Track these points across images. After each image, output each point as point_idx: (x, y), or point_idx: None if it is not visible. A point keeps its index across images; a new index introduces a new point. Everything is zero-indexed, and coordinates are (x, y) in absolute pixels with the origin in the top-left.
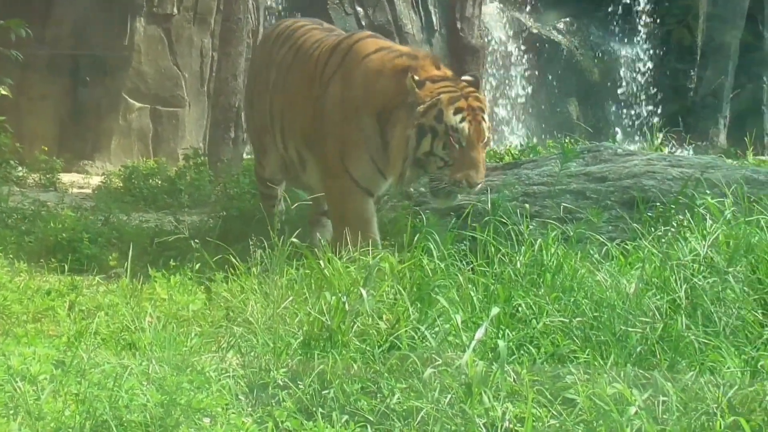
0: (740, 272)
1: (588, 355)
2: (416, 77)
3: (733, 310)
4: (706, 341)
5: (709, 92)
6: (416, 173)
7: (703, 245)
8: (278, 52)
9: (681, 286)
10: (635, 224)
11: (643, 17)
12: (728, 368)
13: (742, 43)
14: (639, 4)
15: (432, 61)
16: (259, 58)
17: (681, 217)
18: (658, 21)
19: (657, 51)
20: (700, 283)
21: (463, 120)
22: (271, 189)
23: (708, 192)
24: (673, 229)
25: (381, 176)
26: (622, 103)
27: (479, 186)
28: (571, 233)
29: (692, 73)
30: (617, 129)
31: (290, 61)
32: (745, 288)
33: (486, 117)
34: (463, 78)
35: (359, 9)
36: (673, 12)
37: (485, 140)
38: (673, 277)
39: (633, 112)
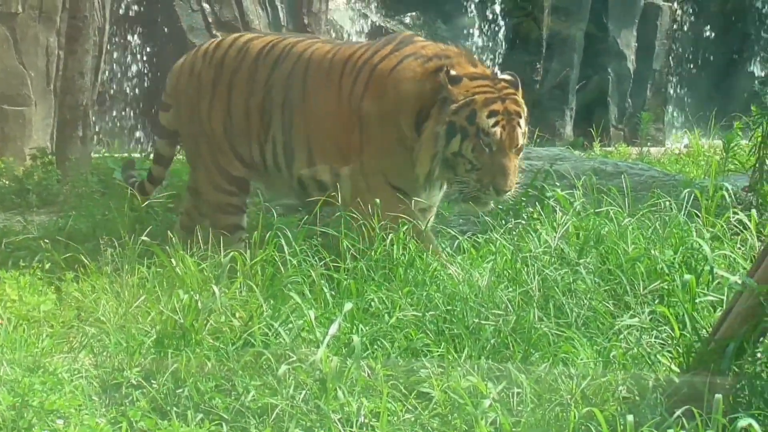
0: (591, 263)
1: (442, 348)
2: (452, 72)
3: (585, 301)
4: (558, 333)
5: (555, 84)
6: (444, 173)
7: (554, 237)
8: (273, 70)
9: (533, 278)
10: (486, 217)
11: (490, 10)
12: (581, 359)
13: (587, 35)
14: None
15: (467, 58)
16: (217, 76)
17: (531, 209)
18: (505, 14)
19: (505, 44)
20: (552, 274)
21: (496, 124)
22: (238, 194)
23: (557, 184)
24: (523, 222)
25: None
26: None
27: (508, 194)
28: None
29: (538, 66)
30: None
31: (302, 77)
32: (595, 279)
33: (522, 122)
34: (503, 77)
35: (206, 5)
36: (520, 5)
37: (518, 146)
38: (525, 269)
39: None
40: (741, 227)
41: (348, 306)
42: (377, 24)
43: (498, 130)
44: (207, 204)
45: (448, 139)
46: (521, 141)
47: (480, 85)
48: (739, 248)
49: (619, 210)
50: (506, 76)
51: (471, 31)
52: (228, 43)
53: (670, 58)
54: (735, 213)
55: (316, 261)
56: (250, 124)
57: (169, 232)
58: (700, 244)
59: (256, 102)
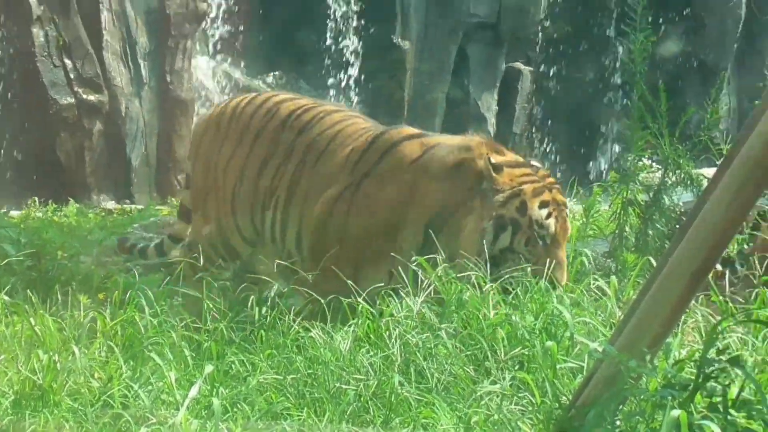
0: (452, 328)
1: (303, 412)
2: (492, 160)
3: (446, 366)
4: (419, 397)
5: None
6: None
7: (416, 301)
8: (300, 135)
9: (394, 343)
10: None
11: (352, 71)
12: (441, 425)
13: (449, 98)
14: (349, 59)
15: (491, 147)
16: (243, 133)
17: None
18: (368, 76)
19: (367, 106)
20: (414, 339)
21: (549, 215)
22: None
23: None
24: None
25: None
26: None
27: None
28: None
29: None
30: None
31: (323, 147)
32: (456, 344)
33: (568, 213)
34: (536, 164)
35: (67, 61)
36: (384, 67)
37: (569, 238)
38: (387, 333)
39: None
40: (600, 294)
41: (209, 368)
42: (241, 83)
43: (552, 221)
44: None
45: (496, 234)
46: (569, 232)
47: (524, 173)
48: (599, 315)
49: (481, 275)
50: (536, 164)
51: (332, 92)
52: (259, 102)
53: (532, 120)
54: (595, 279)
55: (177, 321)
56: (258, 185)
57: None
58: (560, 311)
59: (274, 164)
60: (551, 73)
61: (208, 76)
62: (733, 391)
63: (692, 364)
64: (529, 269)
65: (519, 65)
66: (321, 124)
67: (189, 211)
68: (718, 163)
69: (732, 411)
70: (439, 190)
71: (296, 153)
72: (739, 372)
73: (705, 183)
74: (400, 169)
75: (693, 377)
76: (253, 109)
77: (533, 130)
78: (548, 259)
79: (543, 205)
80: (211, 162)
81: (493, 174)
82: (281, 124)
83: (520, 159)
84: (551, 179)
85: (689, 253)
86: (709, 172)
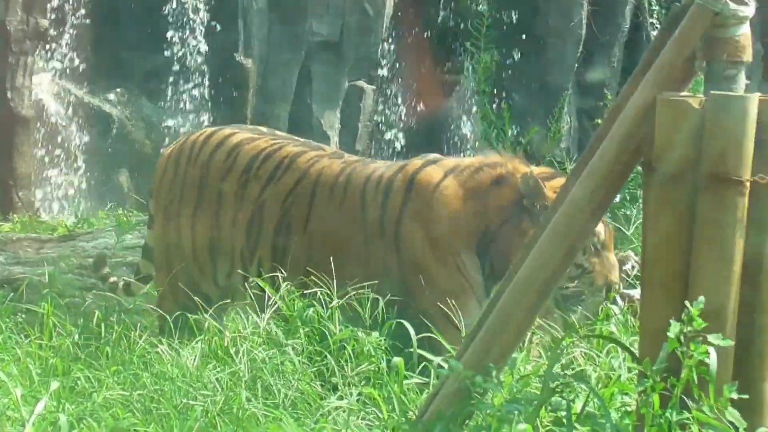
0: (298, 344)
1: (150, 428)
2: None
3: (293, 382)
4: (267, 413)
5: None
6: None
7: (263, 318)
8: (267, 185)
9: (242, 359)
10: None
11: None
12: None
13: (292, 116)
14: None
15: (520, 160)
16: (203, 180)
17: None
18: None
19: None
20: (261, 355)
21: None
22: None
23: None
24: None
25: None
26: None
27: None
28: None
29: None
30: None
31: (309, 198)
32: (303, 360)
33: None
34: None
35: None
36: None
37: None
38: (234, 349)
39: None
40: None
41: (54, 384)
42: (83, 100)
43: (602, 227)
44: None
45: None
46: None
47: (562, 185)
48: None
49: (327, 292)
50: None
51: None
52: (215, 142)
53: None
54: None
55: (21, 338)
56: (233, 240)
57: None
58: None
59: (244, 218)
60: (395, 92)
61: (50, 94)
62: (578, 405)
63: (537, 379)
64: (587, 280)
65: (362, 83)
66: (291, 172)
67: (152, 250)
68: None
69: (576, 425)
70: (480, 210)
71: (270, 208)
72: (584, 386)
73: None
74: (434, 200)
75: (538, 392)
76: (209, 152)
77: (375, 148)
78: (604, 265)
79: None
80: (173, 210)
81: (544, 190)
82: (244, 173)
83: (550, 169)
84: None
85: (536, 269)
86: None
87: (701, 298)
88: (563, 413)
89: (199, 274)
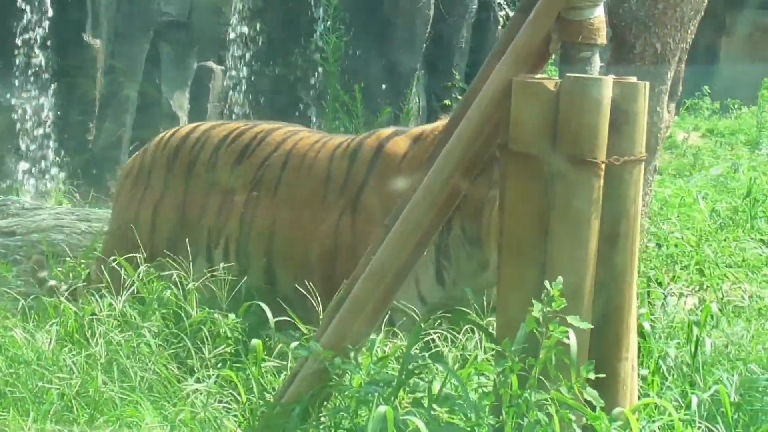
0: (155, 326)
1: (6, 412)
2: None
3: (149, 365)
4: (123, 396)
5: (109, 144)
6: None
7: (119, 300)
8: (239, 162)
9: (98, 341)
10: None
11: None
12: (147, 423)
13: (142, 96)
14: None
15: None
16: (170, 166)
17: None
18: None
19: (60, 104)
20: (117, 338)
21: None
22: None
23: None
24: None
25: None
26: (28, 158)
27: None
28: None
29: (92, 125)
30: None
31: (278, 174)
32: (159, 342)
33: None
34: None
35: None
36: (75, 65)
37: None
38: (90, 331)
39: (38, 167)
40: None
41: None
42: None
43: None
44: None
45: None
46: None
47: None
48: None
49: (183, 274)
50: None
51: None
52: (186, 131)
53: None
54: None
55: None
56: (200, 227)
57: None
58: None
59: (215, 198)
60: (245, 73)
61: None
62: (436, 386)
63: (396, 360)
64: None
65: (211, 64)
66: (262, 147)
67: None
68: None
69: (435, 406)
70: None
71: (241, 184)
72: (441, 368)
73: None
74: (398, 169)
75: (396, 373)
76: (178, 140)
77: None
78: None
79: None
80: (131, 205)
81: None
82: (213, 153)
83: None
84: None
85: (392, 255)
86: None
87: (560, 279)
88: (422, 394)
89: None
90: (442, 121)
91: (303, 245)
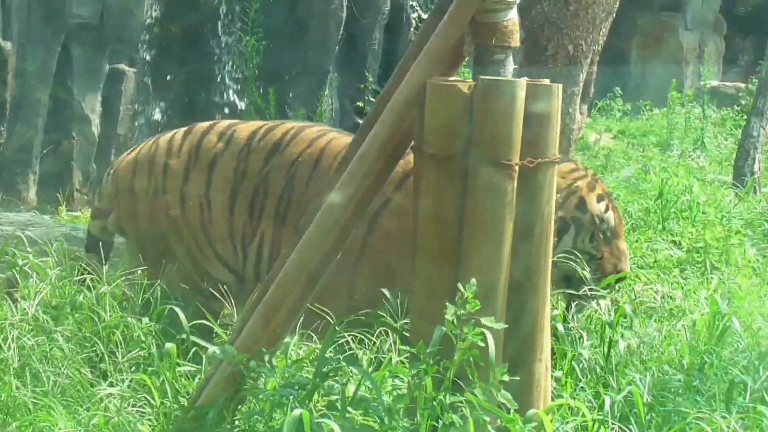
0: (67, 330)
1: None
2: None
3: (62, 369)
4: (36, 401)
5: (20, 148)
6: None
7: (32, 304)
8: (271, 157)
9: (10, 346)
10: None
11: None
12: (60, 428)
13: (54, 99)
14: None
15: None
16: (191, 163)
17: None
18: None
19: None
20: (30, 342)
21: (607, 208)
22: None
23: (29, 250)
24: None
25: None
26: None
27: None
28: None
29: (2, 129)
30: None
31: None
32: (72, 346)
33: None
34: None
35: None
36: None
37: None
38: (2, 336)
39: None
40: None
41: None
42: None
43: (611, 213)
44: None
45: (560, 238)
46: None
47: (571, 169)
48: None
49: (97, 278)
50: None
51: None
52: (203, 129)
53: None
54: None
55: None
56: (233, 220)
57: None
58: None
59: (245, 194)
60: (158, 75)
61: None
62: (351, 389)
63: (311, 363)
64: (594, 267)
65: (123, 67)
66: (295, 143)
67: (98, 243)
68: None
69: (350, 409)
70: None
71: (274, 180)
72: (356, 370)
73: None
74: None
75: (311, 376)
76: (197, 138)
77: (138, 132)
78: (613, 252)
79: (600, 198)
80: (156, 207)
81: None
82: (244, 149)
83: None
84: (591, 170)
85: (306, 254)
86: None
87: (473, 281)
88: (336, 397)
89: (205, 258)
90: None
91: None
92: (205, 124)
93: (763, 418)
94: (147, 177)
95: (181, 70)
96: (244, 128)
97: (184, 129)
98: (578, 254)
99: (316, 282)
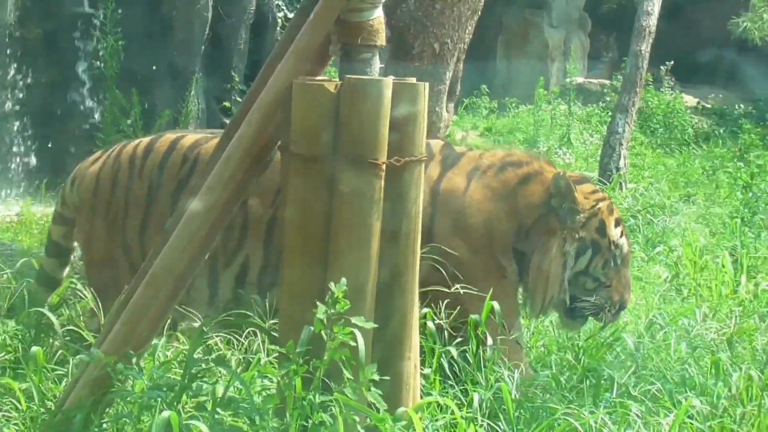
0: None
1: None
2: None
3: None
4: None
5: None
6: (557, 300)
7: None
8: None
9: None
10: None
11: None
12: None
13: None
14: None
15: (546, 161)
16: (154, 188)
17: None
18: None
19: None
20: None
21: (622, 234)
22: None
23: None
24: None
25: None
26: None
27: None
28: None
29: None
30: None
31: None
32: None
33: None
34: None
35: None
36: None
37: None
38: None
39: None
40: None
41: None
42: None
43: (624, 240)
44: None
45: (577, 258)
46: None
47: (592, 190)
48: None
49: None
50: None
51: None
52: (164, 146)
53: None
54: None
55: None
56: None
57: None
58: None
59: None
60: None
61: None
62: (219, 389)
63: (179, 364)
64: (602, 294)
65: None
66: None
67: (59, 248)
68: None
69: (219, 409)
70: (513, 209)
71: (260, 197)
72: (224, 371)
73: None
74: (455, 199)
75: (180, 378)
76: (159, 158)
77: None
78: (620, 280)
79: (617, 223)
80: (115, 232)
81: (575, 193)
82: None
83: (577, 172)
84: (604, 191)
85: (173, 256)
86: None
87: (343, 281)
88: (205, 398)
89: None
90: (501, 155)
91: None
92: (164, 141)
93: (629, 412)
94: (109, 194)
95: (42, 71)
96: (208, 148)
97: (140, 145)
98: (588, 279)
99: (184, 283)
